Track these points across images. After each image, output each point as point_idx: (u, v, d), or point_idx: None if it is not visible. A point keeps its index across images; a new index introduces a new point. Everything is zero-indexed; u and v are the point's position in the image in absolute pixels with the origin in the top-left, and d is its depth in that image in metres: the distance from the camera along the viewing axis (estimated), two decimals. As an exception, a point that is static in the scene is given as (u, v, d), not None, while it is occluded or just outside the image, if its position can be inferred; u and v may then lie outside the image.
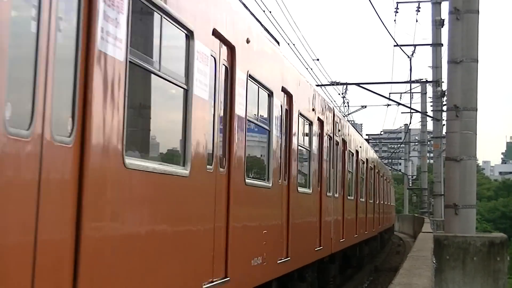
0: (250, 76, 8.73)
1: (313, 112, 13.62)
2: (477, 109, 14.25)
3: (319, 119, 14.35)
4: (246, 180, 8.62)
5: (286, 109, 11.08)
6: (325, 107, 15.36)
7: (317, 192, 14.23)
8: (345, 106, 45.11)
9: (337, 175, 17.38)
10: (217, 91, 7.56)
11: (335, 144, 17.00)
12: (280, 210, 10.74)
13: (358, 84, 30.58)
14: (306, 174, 13.27)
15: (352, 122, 44.90)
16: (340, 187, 17.82)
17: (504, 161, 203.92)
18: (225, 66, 7.95)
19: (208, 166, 7.17)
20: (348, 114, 45.74)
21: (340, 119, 18.19)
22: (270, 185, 9.97)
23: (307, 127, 13.13)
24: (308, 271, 13.68)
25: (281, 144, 10.69)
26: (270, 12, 19.84)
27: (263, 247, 9.48)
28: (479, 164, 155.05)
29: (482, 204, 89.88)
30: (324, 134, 15.00)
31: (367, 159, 25.94)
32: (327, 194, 15.34)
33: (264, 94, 9.78)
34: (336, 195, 16.90)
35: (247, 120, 8.62)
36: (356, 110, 47.06)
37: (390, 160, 78.48)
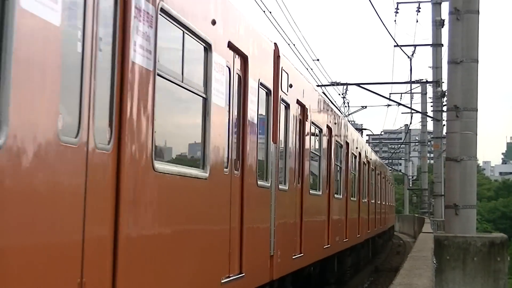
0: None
1: (231, 51, 8.05)
2: (477, 110, 14.26)
3: (241, 55, 8.49)
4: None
5: None
6: (259, 42, 9.41)
7: (235, 180, 8.32)
8: (346, 106, 45.14)
9: (289, 157, 11.48)
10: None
11: (290, 110, 11.39)
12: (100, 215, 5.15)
13: (358, 85, 30.59)
14: (217, 145, 7.52)
15: (353, 122, 44.94)
16: (296, 176, 12.05)
17: (504, 162, 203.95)
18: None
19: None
20: (349, 115, 45.75)
21: (297, 74, 12.23)
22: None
23: (216, 71, 7.45)
24: None
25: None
26: (270, 12, 19.85)
27: None
28: (479, 165, 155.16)
29: (482, 204, 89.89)
30: (260, 87, 9.39)
31: (347, 143, 19.27)
32: (258, 183, 9.33)
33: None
34: (284, 187, 11.12)
35: None
36: (357, 111, 47.08)
37: (390, 161, 78.57)
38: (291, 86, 11.30)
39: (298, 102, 12.19)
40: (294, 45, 32.95)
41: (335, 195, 16.74)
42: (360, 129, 41.69)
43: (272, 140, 10.29)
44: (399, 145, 77.13)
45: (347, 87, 38.42)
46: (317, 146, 14.56)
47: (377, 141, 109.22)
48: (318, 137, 14.68)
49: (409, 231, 49.69)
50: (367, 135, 60.53)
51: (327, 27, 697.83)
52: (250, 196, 8.88)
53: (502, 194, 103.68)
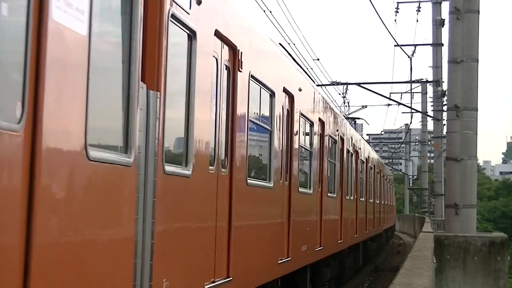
0: None
1: None
2: (477, 109, 14.26)
3: None
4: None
5: None
6: None
7: (10, 141, 3.84)
8: (346, 106, 45.13)
9: (200, 123, 6.95)
10: None
11: (197, 42, 6.79)
12: None
13: (358, 84, 30.61)
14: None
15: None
16: (218, 156, 7.73)
17: (504, 161, 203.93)
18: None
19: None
20: (349, 114, 45.74)
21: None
22: None
23: None
24: None
25: None
26: (271, 12, 19.85)
27: None
28: (480, 164, 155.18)
29: (483, 204, 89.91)
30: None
31: (322, 122, 15.05)
32: (92, 156, 4.65)
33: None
34: (184, 171, 6.69)
35: None
36: (357, 110, 47.06)
37: (390, 160, 78.66)
38: (199, 3, 6.82)
39: (220, 36, 7.67)
40: (294, 44, 32.97)
41: (301, 189, 12.48)
42: (354, 119, 39.41)
43: (144, 81, 5.68)
44: (399, 145, 77.25)
45: (347, 86, 38.34)
46: (266, 116, 10.12)
47: (378, 141, 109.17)
48: (268, 103, 10.19)
49: (409, 231, 49.74)
50: (367, 134, 60.51)
51: (327, 27, 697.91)
52: (67, 181, 4.46)
53: (502, 194, 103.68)
